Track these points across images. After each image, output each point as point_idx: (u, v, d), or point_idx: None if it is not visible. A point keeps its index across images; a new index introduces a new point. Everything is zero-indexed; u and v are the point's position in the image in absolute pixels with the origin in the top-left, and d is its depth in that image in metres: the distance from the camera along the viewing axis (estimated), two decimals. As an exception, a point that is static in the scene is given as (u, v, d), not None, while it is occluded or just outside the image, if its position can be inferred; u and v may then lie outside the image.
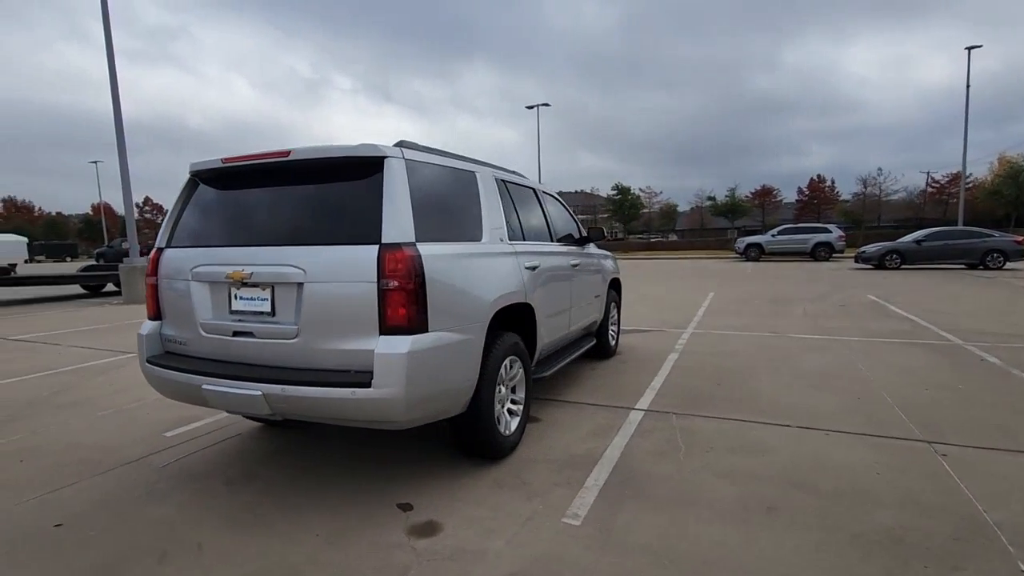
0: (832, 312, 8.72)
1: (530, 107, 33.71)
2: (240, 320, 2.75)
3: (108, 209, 64.92)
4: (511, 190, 3.83)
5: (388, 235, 2.49)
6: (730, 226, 51.14)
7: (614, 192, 56.61)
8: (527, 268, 3.54)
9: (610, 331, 5.90)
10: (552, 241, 4.34)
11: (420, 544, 2.37)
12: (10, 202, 73.96)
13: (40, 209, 76.65)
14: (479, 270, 2.98)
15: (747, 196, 58.44)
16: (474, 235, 3.13)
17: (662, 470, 3.06)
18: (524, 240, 3.75)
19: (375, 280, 2.45)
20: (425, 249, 2.58)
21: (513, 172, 4.24)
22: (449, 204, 3.03)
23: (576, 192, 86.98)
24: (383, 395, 2.41)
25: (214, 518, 2.64)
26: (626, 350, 6.24)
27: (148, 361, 3.00)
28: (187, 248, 2.97)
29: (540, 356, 3.89)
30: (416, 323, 2.49)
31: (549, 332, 3.92)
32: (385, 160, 2.60)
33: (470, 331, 2.80)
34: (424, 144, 3.10)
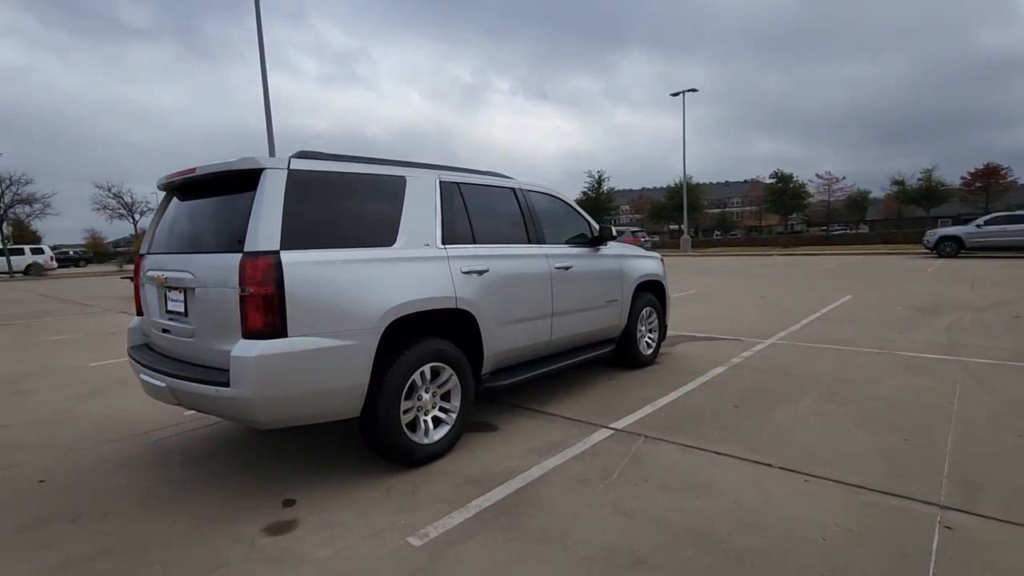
0: (991, 326, 6.87)
1: (675, 94, 31.86)
2: (170, 319, 3.11)
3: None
4: (465, 192, 3.71)
5: (250, 244, 2.61)
6: (926, 215, 42.56)
7: (773, 180, 50.76)
8: (466, 272, 3.42)
9: (645, 339, 5.39)
10: (530, 243, 4.11)
11: (261, 541, 2.46)
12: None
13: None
14: (374, 276, 2.96)
15: (964, 177, 48.18)
16: (383, 240, 3.11)
17: (561, 500, 2.75)
18: (475, 243, 3.62)
19: (238, 286, 2.59)
20: (291, 257, 2.65)
21: (486, 173, 4.10)
22: (349, 211, 3.05)
23: (743, 182, 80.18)
24: (237, 395, 2.55)
25: (141, 492, 3.02)
26: (671, 359, 5.64)
27: (128, 351, 3.54)
28: (151, 255, 3.43)
29: (496, 364, 3.73)
30: (273, 328, 2.58)
31: (508, 339, 3.73)
32: (262, 172, 2.73)
33: (353, 336, 2.81)
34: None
